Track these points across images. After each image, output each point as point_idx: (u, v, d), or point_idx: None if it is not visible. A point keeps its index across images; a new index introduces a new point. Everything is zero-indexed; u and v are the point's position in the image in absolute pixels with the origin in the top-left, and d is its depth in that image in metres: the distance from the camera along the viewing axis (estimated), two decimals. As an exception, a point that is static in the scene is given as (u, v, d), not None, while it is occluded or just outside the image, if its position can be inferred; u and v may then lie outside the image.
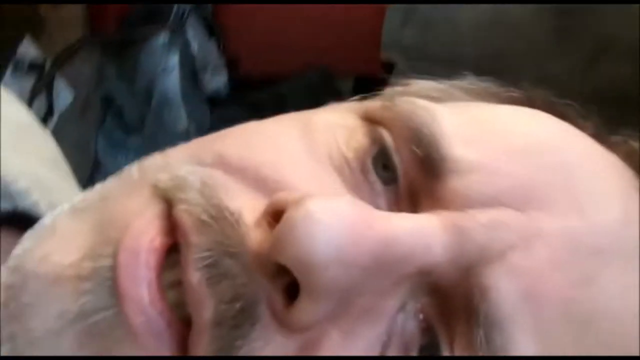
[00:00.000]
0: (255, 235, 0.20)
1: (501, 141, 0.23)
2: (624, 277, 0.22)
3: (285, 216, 0.19)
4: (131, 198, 0.22)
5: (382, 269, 0.19)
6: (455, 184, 0.22)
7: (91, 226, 0.22)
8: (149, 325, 0.19)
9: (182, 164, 0.23)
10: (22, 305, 0.20)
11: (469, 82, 0.31)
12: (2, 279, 0.21)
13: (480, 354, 0.20)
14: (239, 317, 0.19)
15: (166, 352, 0.20)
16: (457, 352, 0.20)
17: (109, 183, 0.25)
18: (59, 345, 0.20)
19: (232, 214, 0.20)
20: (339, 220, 0.19)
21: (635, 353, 0.22)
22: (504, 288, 0.20)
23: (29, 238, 0.23)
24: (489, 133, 0.24)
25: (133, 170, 0.24)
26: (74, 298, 0.20)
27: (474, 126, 0.24)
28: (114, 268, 0.20)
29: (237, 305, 0.19)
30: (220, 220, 0.20)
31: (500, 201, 0.21)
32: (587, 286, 0.21)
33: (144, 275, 0.20)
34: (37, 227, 0.23)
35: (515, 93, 0.29)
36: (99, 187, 0.25)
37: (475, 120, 0.24)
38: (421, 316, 0.21)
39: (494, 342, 0.20)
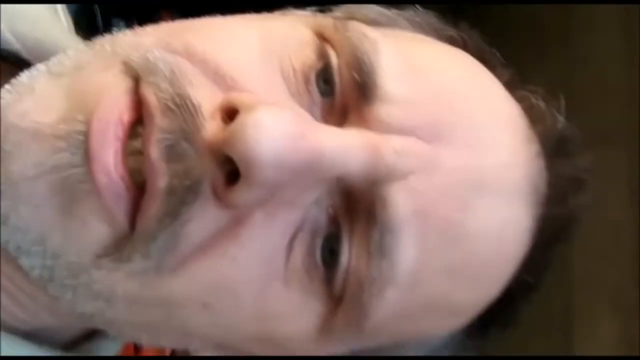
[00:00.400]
0: (210, 127, 0.24)
1: (425, 80, 0.27)
2: (496, 211, 0.27)
3: (239, 118, 0.23)
4: (104, 72, 0.25)
5: (308, 173, 0.24)
6: (381, 110, 0.26)
7: (66, 93, 0.25)
8: (111, 186, 0.23)
9: (152, 46, 0.26)
10: (4, 151, 0.24)
11: (415, 14, 0.34)
12: None
13: (372, 250, 0.25)
14: (186, 191, 0.23)
15: (121, 211, 0.24)
16: (355, 245, 0.26)
17: (83, 53, 0.27)
18: (34, 190, 0.24)
19: (193, 104, 0.24)
20: (281, 130, 0.23)
21: (492, 271, 0.29)
22: (400, 203, 0.25)
23: (9, 92, 0.25)
24: (418, 72, 0.27)
25: (106, 43, 0.27)
26: (50, 153, 0.23)
27: (408, 63, 0.27)
28: (86, 134, 0.23)
29: (187, 182, 0.23)
30: (183, 108, 0.24)
31: (414, 132, 0.26)
32: (464, 212, 0.26)
33: (112, 144, 0.23)
34: (16, 83, 0.26)
35: (453, 33, 0.33)
36: (73, 55, 0.27)
37: (409, 57, 0.28)
38: (331, 211, 0.26)
39: (385, 242, 0.25)
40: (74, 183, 0.23)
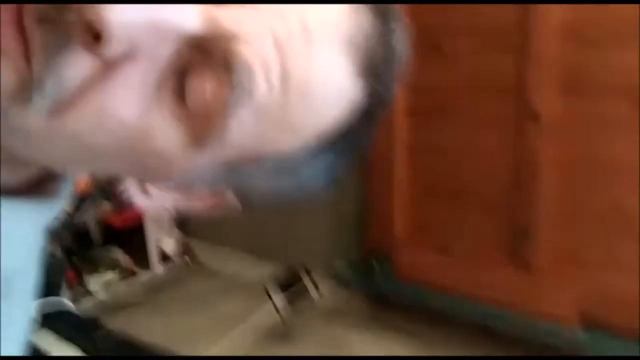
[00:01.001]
0: None
1: None
2: (320, 57, 0.34)
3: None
4: None
5: (157, 31, 0.31)
6: None
7: None
8: (7, 39, 0.30)
9: None
10: None
11: None
12: None
13: (236, 87, 0.33)
14: (59, 40, 0.30)
15: (20, 58, 0.30)
16: (217, 85, 0.33)
17: None
18: None
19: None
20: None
21: (319, 98, 0.36)
22: (249, 54, 0.32)
23: None
24: None
25: None
26: None
27: None
28: None
29: (58, 33, 0.30)
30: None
31: (256, 9, 0.33)
32: (290, 58, 0.33)
33: (9, 11, 0.30)
34: None
35: None
36: None
37: None
38: (187, 56, 0.33)
39: (244, 80, 0.33)
40: None
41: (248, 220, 2.53)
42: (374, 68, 0.37)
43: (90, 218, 2.44)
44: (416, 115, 2.11)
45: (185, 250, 2.77)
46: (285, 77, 0.34)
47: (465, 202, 2.08)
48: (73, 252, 2.43)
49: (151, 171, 0.37)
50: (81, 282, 2.43)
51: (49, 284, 1.94)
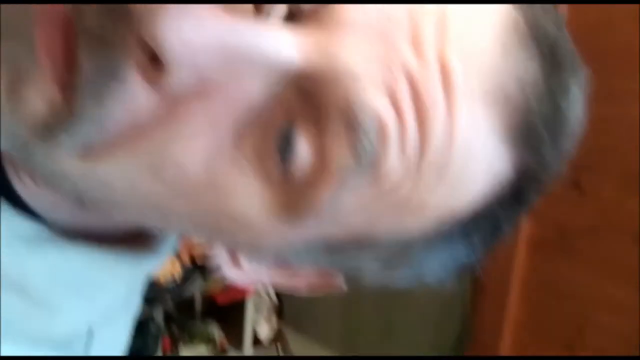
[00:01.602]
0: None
1: None
2: (467, 115, 0.26)
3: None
4: None
5: (232, 59, 0.23)
6: (344, 11, 0.25)
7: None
8: (52, 60, 0.24)
9: None
10: None
11: None
12: None
13: (358, 152, 0.25)
14: (108, 68, 0.24)
15: (58, 87, 0.24)
16: (315, 138, 0.25)
17: None
18: None
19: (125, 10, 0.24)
20: (192, 15, 0.22)
21: (461, 174, 0.27)
22: (380, 107, 0.24)
23: None
24: None
25: None
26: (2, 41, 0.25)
27: None
28: (33, 24, 0.24)
29: (107, 59, 0.24)
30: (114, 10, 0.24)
31: (377, 36, 0.24)
32: (434, 111, 0.25)
33: (57, 21, 0.24)
34: None
35: None
36: None
37: None
38: (287, 105, 0.25)
39: (369, 144, 0.25)
40: (20, 62, 0.25)
41: (345, 318, 2.46)
42: (531, 134, 0.27)
43: (196, 289, 2.49)
44: (539, 248, 1.97)
45: (279, 337, 2.74)
46: (423, 143, 0.25)
47: (581, 356, 1.86)
48: (173, 320, 2.47)
49: (228, 236, 0.30)
50: (174, 351, 2.45)
51: (143, 345, 1.98)
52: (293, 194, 0.26)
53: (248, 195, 0.26)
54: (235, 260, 0.34)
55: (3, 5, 0.25)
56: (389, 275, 0.32)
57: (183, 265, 1.87)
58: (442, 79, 0.25)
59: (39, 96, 0.24)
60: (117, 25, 0.23)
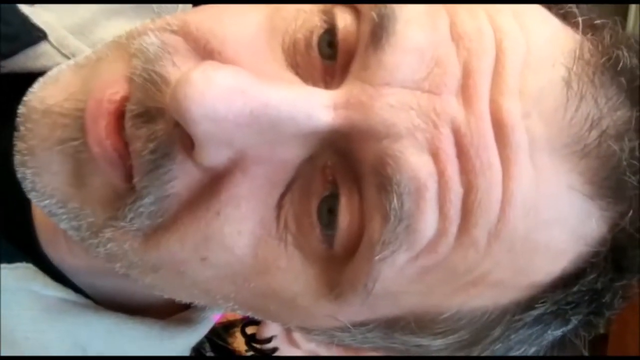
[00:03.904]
0: None
1: (447, 28, 0.24)
2: (530, 173, 0.23)
3: (176, 81, 0.23)
4: (114, 61, 0.27)
5: (261, 127, 0.23)
6: (388, 58, 0.23)
7: (81, 80, 0.27)
8: (103, 154, 0.25)
9: (154, 30, 0.27)
10: (26, 129, 0.27)
11: None
12: (19, 111, 0.28)
13: (392, 217, 0.22)
14: (158, 153, 0.25)
15: (117, 175, 0.26)
16: (355, 205, 0.24)
17: (106, 46, 0.29)
18: (50, 159, 0.27)
19: (160, 77, 0.25)
20: (213, 85, 0.23)
21: (528, 243, 0.24)
22: (414, 162, 0.22)
23: (38, 82, 0.29)
24: (441, 20, 0.24)
25: (123, 35, 0.29)
26: (55, 128, 0.27)
27: (435, 13, 0.24)
28: (84, 110, 0.26)
29: (156, 144, 0.25)
30: (150, 82, 0.25)
31: (419, 85, 0.23)
32: (487, 172, 0.22)
33: (105, 117, 0.25)
34: (46, 76, 0.29)
35: None
36: (99, 48, 0.30)
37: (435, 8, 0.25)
38: (327, 171, 0.24)
39: (405, 207, 0.22)
40: (77, 153, 0.26)
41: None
42: (621, 185, 0.24)
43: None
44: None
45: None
46: (470, 206, 0.23)
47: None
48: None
49: (278, 317, 0.29)
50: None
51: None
52: (335, 271, 0.25)
53: (293, 275, 0.26)
54: (291, 339, 0.32)
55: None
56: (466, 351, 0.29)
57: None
58: (496, 134, 0.22)
59: (102, 182, 0.26)
60: (158, 106, 0.25)
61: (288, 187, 0.25)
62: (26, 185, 0.28)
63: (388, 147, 0.22)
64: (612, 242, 0.25)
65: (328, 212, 0.24)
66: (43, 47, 0.36)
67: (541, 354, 0.28)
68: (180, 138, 0.24)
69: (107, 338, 0.33)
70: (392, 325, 0.27)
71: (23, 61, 0.36)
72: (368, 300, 0.25)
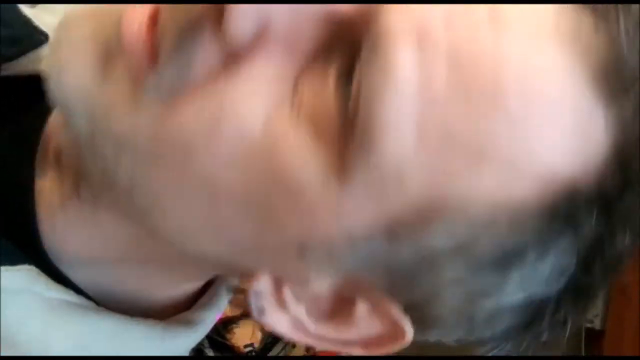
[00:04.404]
0: None
1: None
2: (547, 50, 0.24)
3: None
4: None
5: (296, 14, 0.24)
6: None
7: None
8: (133, 35, 0.26)
9: None
10: (58, 65, 0.28)
11: None
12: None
13: (367, 58, 0.24)
14: (188, 27, 0.25)
15: (144, 55, 0.26)
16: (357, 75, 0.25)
17: None
18: (78, 52, 0.28)
19: None
20: None
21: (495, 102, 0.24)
22: (393, 17, 0.24)
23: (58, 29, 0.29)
24: None
25: None
26: (92, 29, 0.28)
27: None
28: (120, 20, 0.26)
29: (187, 20, 0.25)
30: None
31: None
32: (476, 43, 0.24)
33: (140, 16, 0.26)
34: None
35: None
36: None
37: None
38: (345, 50, 0.25)
39: (378, 46, 0.24)
40: (107, 42, 0.27)
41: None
42: (623, 80, 0.23)
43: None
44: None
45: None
46: (455, 61, 0.23)
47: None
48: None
49: (278, 230, 0.28)
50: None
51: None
52: (346, 148, 0.25)
53: (303, 156, 0.25)
54: (280, 297, 0.30)
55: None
56: (472, 291, 0.27)
57: (264, 334, 1.77)
58: (490, 20, 0.23)
59: (127, 67, 0.26)
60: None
61: (307, 65, 0.26)
62: (51, 79, 0.28)
63: (377, 12, 0.24)
64: (622, 143, 0.24)
65: (347, 81, 0.25)
66: (46, 50, 0.36)
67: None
68: (209, 15, 0.25)
69: (110, 339, 0.34)
70: (401, 228, 0.26)
71: (25, 64, 0.36)
72: (376, 184, 0.25)
